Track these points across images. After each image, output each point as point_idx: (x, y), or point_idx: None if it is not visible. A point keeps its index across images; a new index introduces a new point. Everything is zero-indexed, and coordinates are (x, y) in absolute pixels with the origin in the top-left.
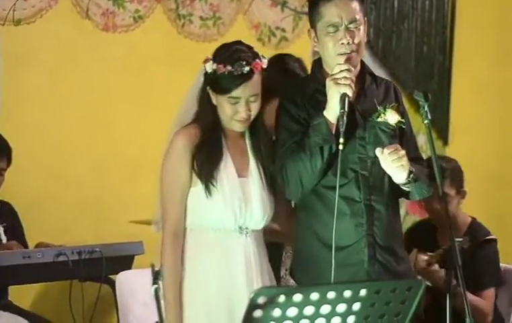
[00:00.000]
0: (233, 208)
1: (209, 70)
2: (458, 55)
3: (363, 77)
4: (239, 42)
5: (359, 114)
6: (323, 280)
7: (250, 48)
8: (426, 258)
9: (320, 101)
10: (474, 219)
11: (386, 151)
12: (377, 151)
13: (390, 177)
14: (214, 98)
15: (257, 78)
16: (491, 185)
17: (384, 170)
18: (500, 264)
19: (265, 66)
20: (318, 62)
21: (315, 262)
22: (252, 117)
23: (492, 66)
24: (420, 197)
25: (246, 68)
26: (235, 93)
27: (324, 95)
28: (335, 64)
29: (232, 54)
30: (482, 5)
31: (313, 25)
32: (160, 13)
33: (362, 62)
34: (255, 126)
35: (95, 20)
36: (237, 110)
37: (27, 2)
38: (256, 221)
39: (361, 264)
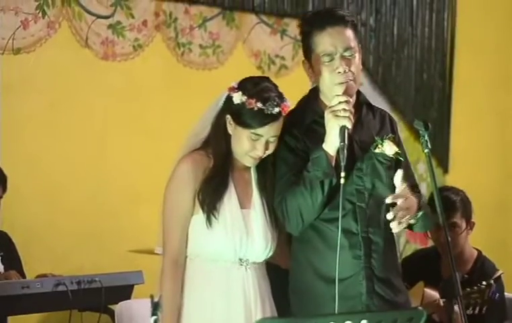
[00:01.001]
0: (233, 240)
1: (236, 101)
2: (458, 82)
3: (360, 107)
4: (267, 79)
5: (356, 145)
6: (320, 312)
7: (276, 87)
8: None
9: (317, 132)
10: (480, 252)
11: (397, 213)
12: (388, 216)
13: (386, 209)
14: (232, 128)
15: (281, 120)
16: (492, 212)
17: (381, 201)
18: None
19: (288, 109)
20: (313, 92)
21: (311, 295)
22: (265, 155)
23: (492, 93)
24: (424, 230)
25: (277, 109)
26: (259, 130)
27: (322, 125)
28: (333, 95)
29: (262, 90)
30: (482, 32)
31: (307, 56)
32: (160, 41)
33: (358, 92)
34: (263, 162)
35: (94, 49)
36: (255, 146)
37: (27, 31)
38: (257, 253)
39: (359, 296)
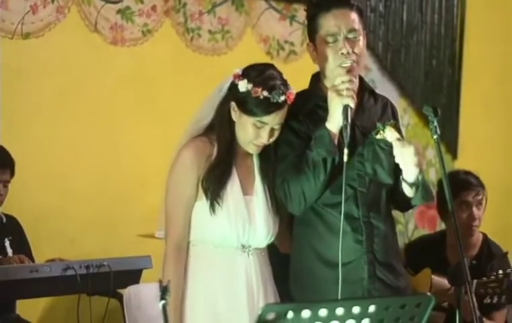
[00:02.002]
0: (236, 226)
1: (242, 89)
2: (467, 68)
3: (362, 93)
4: (272, 66)
5: (358, 130)
6: (322, 297)
7: (281, 74)
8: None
9: (320, 116)
10: (485, 235)
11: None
12: (396, 144)
13: (388, 193)
14: (236, 115)
15: (286, 108)
16: (500, 198)
17: (381, 187)
18: None
19: (293, 96)
20: (316, 77)
21: (314, 279)
22: (269, 143)
23: (501, 79)
24: (424, 201)
25: (282, 98)
26: (265, 118)
27: (324, 110)
28: (335, 77)
29: (267, 79)
30: (491, 19)
31: (312, 38)
32: (169, 26)
33: (361, 78)
34: (266, 149)
35: (103, 34)
36: (260, 134)
37: (36, 16)
38: (259, 239)
39: (361, 281)
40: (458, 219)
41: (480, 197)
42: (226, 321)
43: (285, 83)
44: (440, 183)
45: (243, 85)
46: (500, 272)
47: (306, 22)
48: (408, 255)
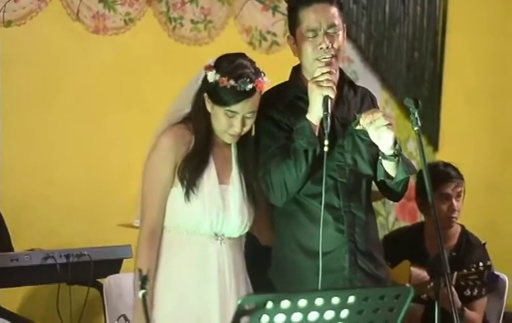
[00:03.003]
0: (210, 214)
1: (210, 79)
2: (449, 61)
3: (342, 85)
4: (243, 55)
5: (338, 121)
6: (303, 286)
7: (253, 63)
8: (423, 272)
9: (300, 108)
10: (463, 227)
11: (367, 116)
12: (363, 120)
13: (368, 184)
14: (210, 106)
15: (256, 96)
16: (481, 191)
17: (362, 177)
18: None
19: (266, 85)
20: (296, 69)
21: (295, 268)
22: (244, 132)
23: (483, 72)
24: (406, 174)
25: (249, 86)
26: (234, 107)
27: (304, 101)
28: (314, 69)
29: (236, 68)
30: (474, 11)
31: (292, 31)
32: (151, 15)
33: (341, 70)
34: (244, 139)
35: (85, 22)
36: (232, 123)
37: (18, 3)
38: (232, 228)
39: (342, 270)
40: (438, 211)
41: (459, 189)
42: (196, 307)
43: (256, 72)
44: (419, 175)
45: (211, 76)
46: (481, 264)
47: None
48: (386, 247)
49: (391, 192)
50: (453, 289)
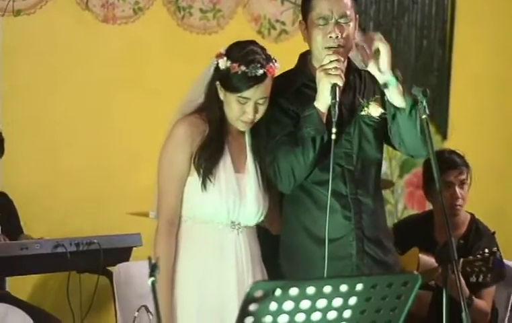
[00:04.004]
0: (227, 203)
1: (222, 67)
2: (458, 49)
3: (349, 73)
4: (254, 42)
5: (344, 109)
6: (311, 273)
7: (263, 49)
8: (432, 259)
9: (307, 95)
10: (472, 215)
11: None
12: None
13: (377, 170)
14: (222, 94)
15: (268, 81)
16: (490, 180)
17: (369, 163)
18: None
19: (277, 70)
20: (304, 56)
21: (303, 254)
22: (257, 119)
23: (492, 61)
24: (413, 97)
25: (260, 71)
26: (246, 93)
27: (312, 89)
28: (322, 57)
29: (247, 54)
30: (482, 0)
31: (304, 17)
32: (160, 5)
33: (348, 58)
34: (257, 127)
35: (94, 12)
36: (245, 110)
37: None
38: (249, 217)
39: (350, 257)
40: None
41: (463, 176)
42: (214, 297)
43: (267, 58)
44: (426, 163)
45: (222, 63)
46: (487, 250)
47: (297, 1)
48: (396, 235)
49: (413, 139)
50: (461, 277)
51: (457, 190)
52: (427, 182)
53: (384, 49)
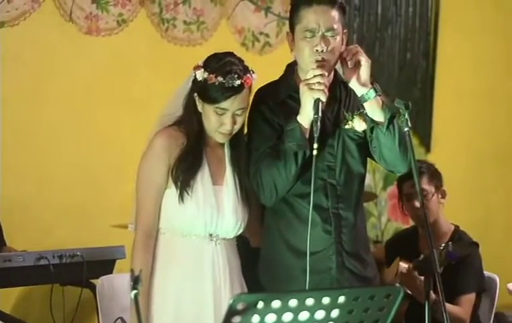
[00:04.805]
0: (204, 215)
1: (199, 78)
2: (441, 61)
3: (335, 86)
4: (231, 54)
5: (329, 122)
6: (291, 286)
7: (241, 61)
8: (406, 266)
9: (292, 107)
10: (457, 227)
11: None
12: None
13: (360, 184)
14: (200, 106)
15: (246, 92)
16: (473, 192)
17: (352, 177)
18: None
19: (254, 81)
20: (291, 67)
21: (283, 267)
22: (235, 130)
23: (475, 72)
24: (391, 111)
25: (237, 82)
26: (223, 104)
27: (296, 101)
28: (308, 70)
29: (224, 65)
30: (466, 12)
31: (292, 28)
32: (144, 17)
33: (335, 71)
34: (237, 139)
35: (78, 23)
36: (222, 121)
37: (11, 4)
38: (227, 229)
39: (329, 271)
40: (408, 211)
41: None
42: (190, 309)
43: (244, 69)
44: (399, 178)
45: (200, 74)
46: (443, 244)
47: (281, 14)
48: (387, 252)
49: (392, 154)
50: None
51: (414, 200)
52: (399, 199)
53: (364, 61)
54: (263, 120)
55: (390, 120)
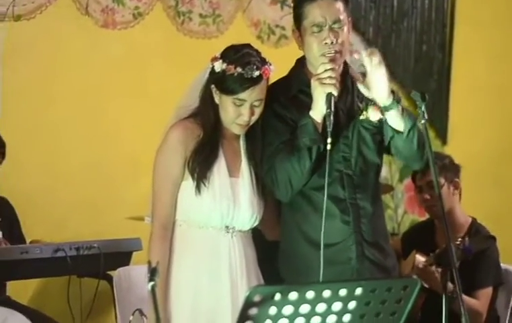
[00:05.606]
0: (221, 207)
1: (217, 69)
2: (457, 54)
3: (346, 77)
4: (248, 46)
5: (342, 113)
6: (311, 278)
7: (258, 52)
8: (424, 259)
9: (303, 102)
10: (474, 219)
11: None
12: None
13: (376, 174)
14: (218, 97)
15: (263, 83)
16: (489, 184)
17: (368, 167)
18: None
19: (272, 73)
20: (300, 62)
21: (302, 259)
22: (252, 121)
23: (492, 65)
24: (412, 121)
25: (256, 73)
26: (242, 95)
27: (307, 95)
28: (319, 65)
29: (242, 56)
30: (482, 4)
31: (298, 25)
32: (160, 10)
33: (345, 62)
34: (252, 131)
35: (94, 17)
36: (240, 112)
37: None
38: (243, 221)
39: (349, 261)
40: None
41: (429, 178)
42: (208, 300)
43: (262, 60)
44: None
45: (218, 66)
46: (460, 239)
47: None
48: (403, 244)
49: (410, 154)
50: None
51: (426, 192)
52: (416, 191)
53: (382, 74)
54: (275, 116)
55: (412, 128)
